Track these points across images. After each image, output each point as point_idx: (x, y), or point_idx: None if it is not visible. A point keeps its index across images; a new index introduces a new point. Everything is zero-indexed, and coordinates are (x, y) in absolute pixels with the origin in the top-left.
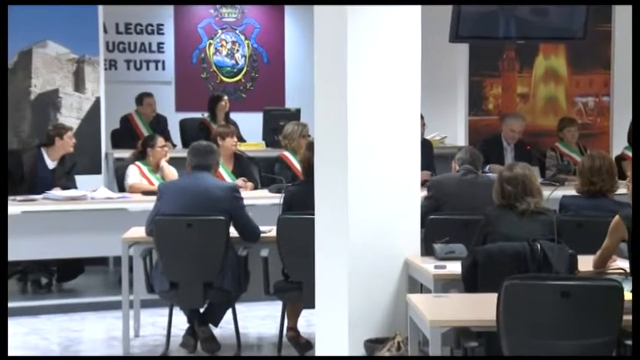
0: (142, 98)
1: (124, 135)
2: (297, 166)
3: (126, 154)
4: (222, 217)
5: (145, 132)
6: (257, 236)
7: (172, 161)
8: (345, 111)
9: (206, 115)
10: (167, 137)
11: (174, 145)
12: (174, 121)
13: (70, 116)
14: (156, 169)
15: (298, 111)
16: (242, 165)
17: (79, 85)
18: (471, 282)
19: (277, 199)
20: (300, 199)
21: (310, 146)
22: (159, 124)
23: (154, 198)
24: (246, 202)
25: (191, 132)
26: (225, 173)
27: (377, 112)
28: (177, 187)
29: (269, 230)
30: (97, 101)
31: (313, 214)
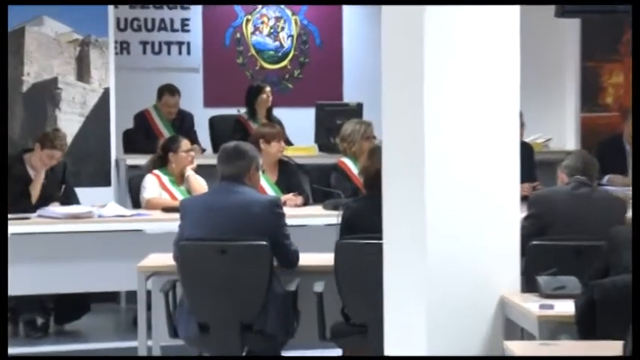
0: (162, 93)
1: (140, 136)
2: (359, 176)
3: (142, 160)
4: (263, 242)
5: (166, 133)
6: (295, 263)
7: (200, 169)
8: (421, 106)
9: (243, 111)
10: (194, 139)
11: (202, 150)
12: (202, 118)
13: (71, 112)
14: (180, 179)
15: (360, 106)
16: (289, 174)
17: (82, 73)
18: (587, 326)
19: (334, 218)
20: (363, 218)
21: (375, 152)
22: (183, 123)
23: (178, 216)
24: (294, 221)
25: (224, 132)
26: (267, 185)
27: (463, 108)
28: (203, 203)
29: (321, 259)
30: (106, 93)
31: (380, 239)
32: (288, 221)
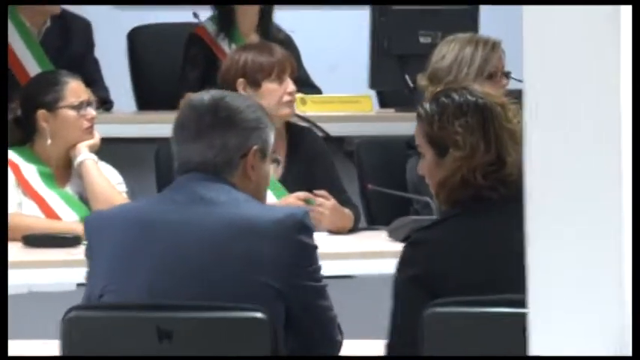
0: None
1: None
2: None
3: None
4: (258, 315)
5: (32, 64)
6: (335, 351)
7: (109, 152)
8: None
9: (204, 16)
10: (95, 81)
11: (106, 104)
12: (112, 30)
13: None
14: (62, 171)
15: (474, 12)
16: (308, 158)
17: None
18: None
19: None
20: (474, 260)
21: (509, 111)
22: (70, 42)
23: (76, 253)
24: (330, 266)
25: (161, 66)
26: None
27: None
28: (136, 223)
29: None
30: None
31: (515, 304)
32: None
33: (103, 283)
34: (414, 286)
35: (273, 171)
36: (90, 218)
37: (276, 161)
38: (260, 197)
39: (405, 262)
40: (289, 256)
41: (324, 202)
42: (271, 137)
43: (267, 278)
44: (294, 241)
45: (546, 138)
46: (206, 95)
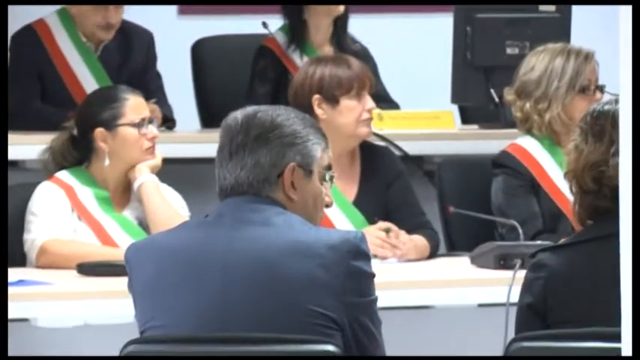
0: None
1: (18, 88)
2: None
3: (29, 150)
4: (330, 347)
5: (89, 79)
6: None
7: (171, 171)
8: None
9: (274, 27)
10: (157, 97)
11: (168, 123)
12: (176, 43)
13: None
14: (121, 193)
15: (567, 14)
16: (385, 180)
17: None
18: None
19: (500, 287)
20: (587, 291)
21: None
22: (130, 56)
23: (123, 283)
24: (396, 296)
25: (229, 78)
26: (336, 206)
27: None
28: (183, 252)
29: None
30: None
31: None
32: (382, 297)
33: (145, 318)
34: (530, 313)
35: (346, 193)
36: (129, 249)
37: (331, 180)
38: (310, 218)
39: (524, 286)
40: (342, 284)
41: (398, 239)
42: (318, 151)
43: (322, 307)
44: (351, 266)
45: None
46: (240, 113)
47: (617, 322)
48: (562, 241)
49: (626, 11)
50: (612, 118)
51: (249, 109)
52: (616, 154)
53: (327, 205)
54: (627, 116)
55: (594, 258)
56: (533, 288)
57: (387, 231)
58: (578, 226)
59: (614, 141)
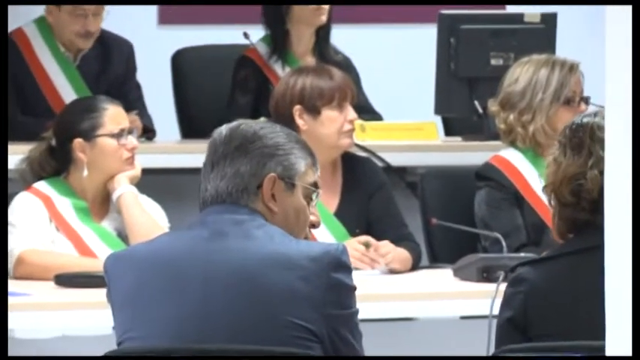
0: None
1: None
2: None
3: (9, 160)
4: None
5: (67, 89)
6: None
7: (150, 183)
8: None
9: (256, 38)
10: (136, 107)
11: (148, 133)
12: (156, 53)
13: None
14: (99, 204)
15: (551, 21)
16: (366, 192)
17: None
18: None
19: (483, 300)
20: (567, 305)
21: (594, 138)
22: (109, 65)
23: (101, 294)
24: (379, 308)
25: (209, 90)
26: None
27: None
28: (163, 263)
29: None
30: None
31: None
32: (365, 309)
33: (123, 329)
34: (510, 327)
35: (328, 204)
36: (108, 258)
37: (314, 193)
38: (291, 231)
39: (504, 301)
40: (322, 296)
41: (380, 251)
42: (302, 165)
43: (302, 320)
44: (332, 278)
45: None
46: (225, 127)
47: (599, 334)
48: (542, 254)
49: (612, 20)
50: (591, 130)
51: (235, 122)
52: (594, 166)
53: (314, 226)
54: (614, 127)
55: (575, 271)
56: (513, 302)
57: (367, 245)
58: (559, 239)
59: (592, 153)
